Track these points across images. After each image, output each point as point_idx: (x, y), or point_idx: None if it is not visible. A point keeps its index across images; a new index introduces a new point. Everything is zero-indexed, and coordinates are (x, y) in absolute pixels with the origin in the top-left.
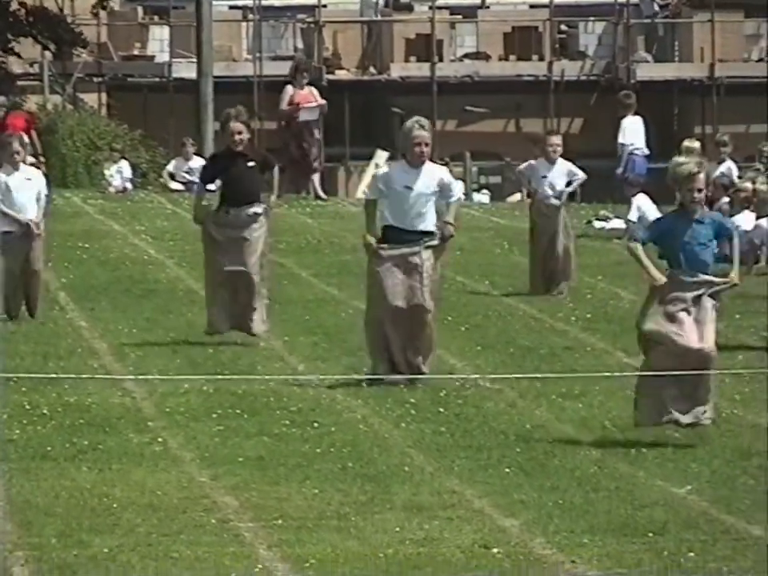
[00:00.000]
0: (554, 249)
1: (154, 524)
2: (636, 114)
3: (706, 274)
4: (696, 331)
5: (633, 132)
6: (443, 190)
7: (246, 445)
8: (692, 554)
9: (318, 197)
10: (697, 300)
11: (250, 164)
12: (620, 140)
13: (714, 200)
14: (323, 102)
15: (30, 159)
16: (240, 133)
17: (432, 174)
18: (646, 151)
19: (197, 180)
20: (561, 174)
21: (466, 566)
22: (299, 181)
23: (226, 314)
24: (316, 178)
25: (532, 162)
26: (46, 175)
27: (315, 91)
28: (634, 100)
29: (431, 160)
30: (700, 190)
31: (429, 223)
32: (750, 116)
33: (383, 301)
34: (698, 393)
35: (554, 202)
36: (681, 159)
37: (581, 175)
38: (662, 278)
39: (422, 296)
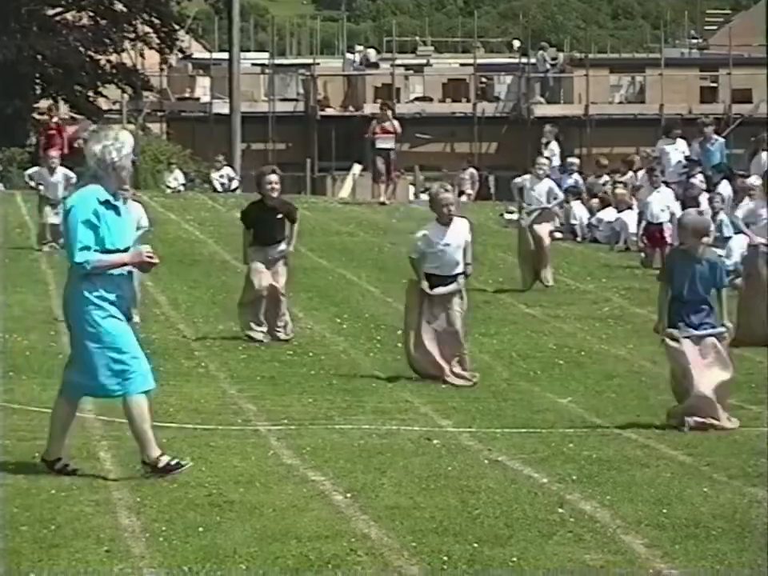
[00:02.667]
0: (538, 245)
1: (198, 422)
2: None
3: (706, 304)
4: (705, 376)
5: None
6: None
7: (263, 367)
8: (571, 445)
9: (381, 202)
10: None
11: (279, 216)
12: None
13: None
14: (396, 132)
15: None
16: (276, 183)
17: (459, 228)
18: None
19: (226, 182)
20: (544, 189)
21: (415, 453)
22: (374, 186)
23: (258, 321)
24: (389, 186)
25: (525, 176)
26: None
27: (396, 123)
28: (556, 130)
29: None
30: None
31: (461, 267)
32: (613, 141)
33: (422, 325)
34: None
35: (534, 207)
36: (692, 216)
37: (560, 196)
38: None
39: (455, 322)
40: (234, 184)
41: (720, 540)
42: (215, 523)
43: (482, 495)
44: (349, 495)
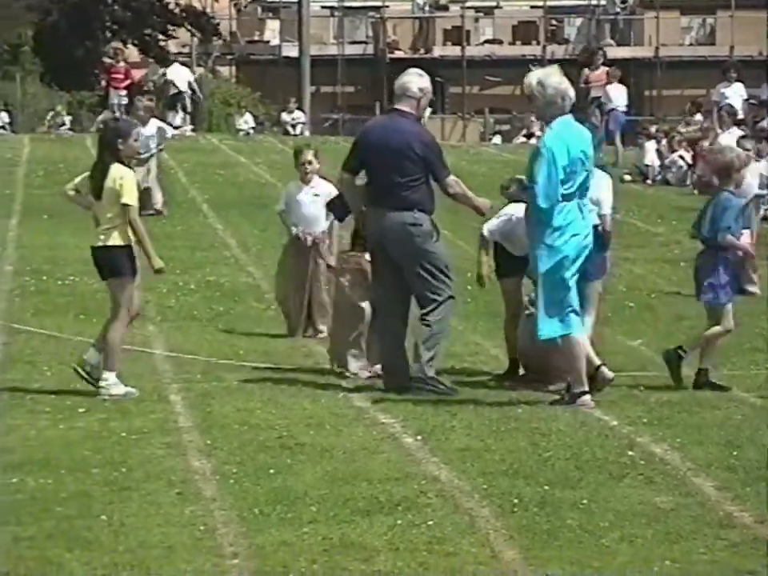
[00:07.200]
0: None
1: (269, 364)
2: (620, 82)
3: None
4: None
5: (616, 95)
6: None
7: None
8: (642, 387)
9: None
10: None
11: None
12: (604, 100)
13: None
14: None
15: None
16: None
17: None
18: (624, 108)
19: (300, 123)
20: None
21: (485, 395)
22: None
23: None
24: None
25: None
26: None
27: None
28: (619, 73)
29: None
30: None
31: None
32: (683, 83)
33: None
34: None
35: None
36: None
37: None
38: None
39: None
40: (304, 127)
41: None
42: (286, 465)
43: (553, 438)
44: (419, 437)
